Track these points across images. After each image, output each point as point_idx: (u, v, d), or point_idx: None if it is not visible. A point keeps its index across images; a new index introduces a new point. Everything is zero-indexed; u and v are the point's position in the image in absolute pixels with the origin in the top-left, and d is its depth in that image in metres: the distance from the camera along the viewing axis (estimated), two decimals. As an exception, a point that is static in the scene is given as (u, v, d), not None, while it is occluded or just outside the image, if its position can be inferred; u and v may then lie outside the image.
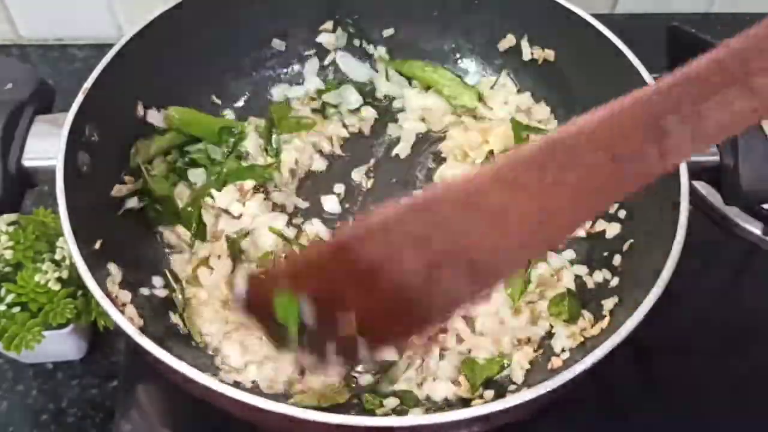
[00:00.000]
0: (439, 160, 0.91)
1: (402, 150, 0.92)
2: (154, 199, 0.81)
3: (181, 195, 0.84)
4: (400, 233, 0.39)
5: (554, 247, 0.62)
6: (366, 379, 0.73)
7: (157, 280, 0.78)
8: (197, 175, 0.86)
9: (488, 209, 0.35)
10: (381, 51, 0.97)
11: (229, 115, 0.93)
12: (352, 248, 0.40)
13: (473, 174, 0.39)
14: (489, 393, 0.72)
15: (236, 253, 0.80)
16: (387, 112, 0.95)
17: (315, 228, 0.85)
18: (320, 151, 0.91)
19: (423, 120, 0.94)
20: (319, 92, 0.96)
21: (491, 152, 0.88)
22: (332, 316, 0.42)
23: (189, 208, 0.83)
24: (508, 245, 0.37)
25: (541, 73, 0.91)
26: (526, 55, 0.92)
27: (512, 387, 0.72)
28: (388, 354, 0.48)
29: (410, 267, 0.39)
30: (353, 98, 0.95)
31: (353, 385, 0.73)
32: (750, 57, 0.30)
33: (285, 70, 0.96)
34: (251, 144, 0.88)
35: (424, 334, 0.58)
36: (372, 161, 0.91)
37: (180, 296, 0.77)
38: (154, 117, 0.84)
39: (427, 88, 0.96)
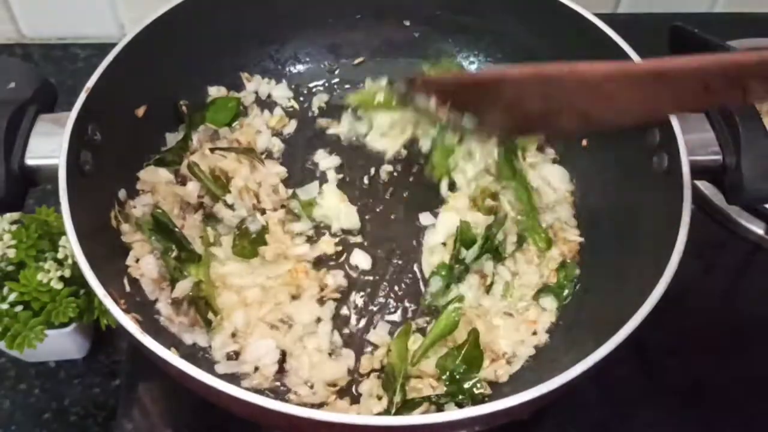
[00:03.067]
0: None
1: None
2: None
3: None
4: (531, 88, 0.59)
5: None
6: None
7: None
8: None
9: (601, 92, 0.56)
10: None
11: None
12: (496, 84, 0.61)
13: (591, 66, 0.57)
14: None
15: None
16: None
17: None
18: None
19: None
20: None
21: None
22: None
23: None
24: (610, 113, 0.58)
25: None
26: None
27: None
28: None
29: (533, 108, 0.59)
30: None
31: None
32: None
33: (287, 71, 0.97)
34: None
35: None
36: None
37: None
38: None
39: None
